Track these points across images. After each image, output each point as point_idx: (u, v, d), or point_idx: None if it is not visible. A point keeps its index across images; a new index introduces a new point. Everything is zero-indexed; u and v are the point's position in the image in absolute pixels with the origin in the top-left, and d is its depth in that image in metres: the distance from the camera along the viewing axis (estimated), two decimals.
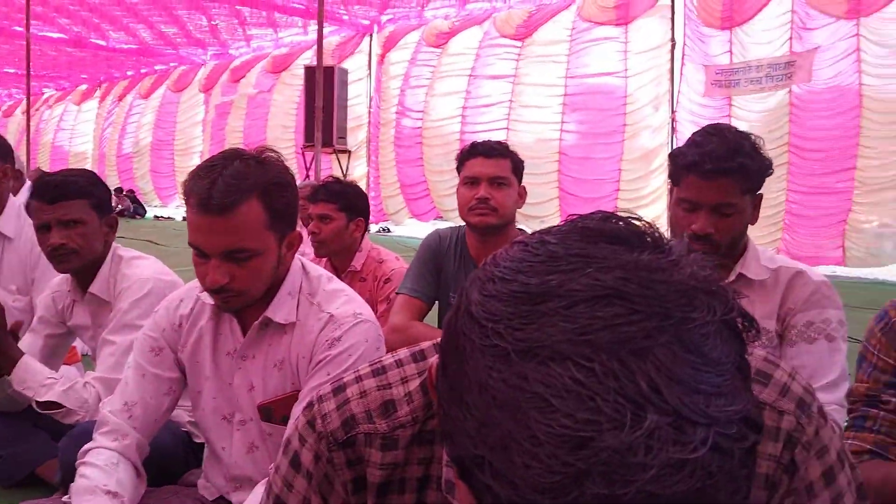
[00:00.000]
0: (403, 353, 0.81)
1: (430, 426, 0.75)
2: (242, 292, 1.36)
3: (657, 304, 0.45)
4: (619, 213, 0.52)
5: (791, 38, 9.37)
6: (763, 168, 1.57)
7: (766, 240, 9.62)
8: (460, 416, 0.48)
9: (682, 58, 10.49)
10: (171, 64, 18.42)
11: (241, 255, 1.32)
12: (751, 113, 9.81)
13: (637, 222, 0.51)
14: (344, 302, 1.45)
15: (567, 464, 0.41)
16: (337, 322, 1.40)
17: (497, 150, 2.25)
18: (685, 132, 10.13)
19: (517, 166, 2.28)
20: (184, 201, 1.39)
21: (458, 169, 2.29)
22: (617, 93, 11.20)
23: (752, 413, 0.45)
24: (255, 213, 1.32)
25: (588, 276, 0.46)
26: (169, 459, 1.79)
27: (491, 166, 2.21)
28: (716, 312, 0.46)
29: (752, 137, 1.60)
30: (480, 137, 3.69)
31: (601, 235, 0.49)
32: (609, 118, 11.30)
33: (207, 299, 1.47)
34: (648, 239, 0.50)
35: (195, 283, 1.48)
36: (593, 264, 0.47)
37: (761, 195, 1.64)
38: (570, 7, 11.63)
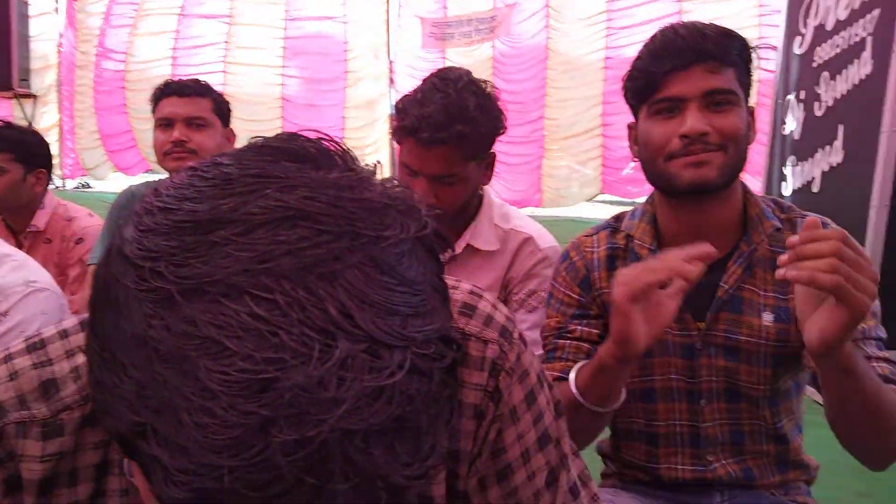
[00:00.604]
0: (71, 321, 0.68)
1: None
2: None
3: (346, 223, 0.41)
4: (306, 133, 0.46)
5: None
6: (491, 130, 1.48)
7: None
8: (115, 381, 0.40)
9: (399, 8, 10.70)
10: None
11: None
12: (462, 65, 10.37)
13: (327, 142, 0.46)
14: (11, 269, 1.23)
15: (247, 413, 0.36)
16: (3, 293, 1.18)
17: (192, 88, 2.05)
18: (403, 83, 10.44)
19: (220, 107, 2.11)
20: None
21: (153, 112, 2.06)
22: (337, 38, 11.13)
23: (448, 331, 0.43)
24: None
25: (267, 198, 0.41)
26: None
27: (186, 105, 2.01)
28: (409, 230, 0.43)
29: (484, 91, 1.47)
30: None
31: (284, 154, 0.44)
32: (331, 64, 11.21)
33: None
34: (338, 159, 0.46)
35: None
36: (273, 184, 0.42)
37: (493, 154, 1.55)
38: None
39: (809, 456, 1.35)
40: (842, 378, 0.98)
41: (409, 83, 10.48)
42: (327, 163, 0.45)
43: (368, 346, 0.38)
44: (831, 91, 3.27)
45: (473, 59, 10.33)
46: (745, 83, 1.18)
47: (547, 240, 1.63)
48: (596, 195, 10.39)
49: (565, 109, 9.92)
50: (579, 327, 1.27)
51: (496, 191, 10.21)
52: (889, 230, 2.82)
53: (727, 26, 1.18)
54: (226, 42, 11.59)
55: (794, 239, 0.94)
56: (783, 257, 0.94)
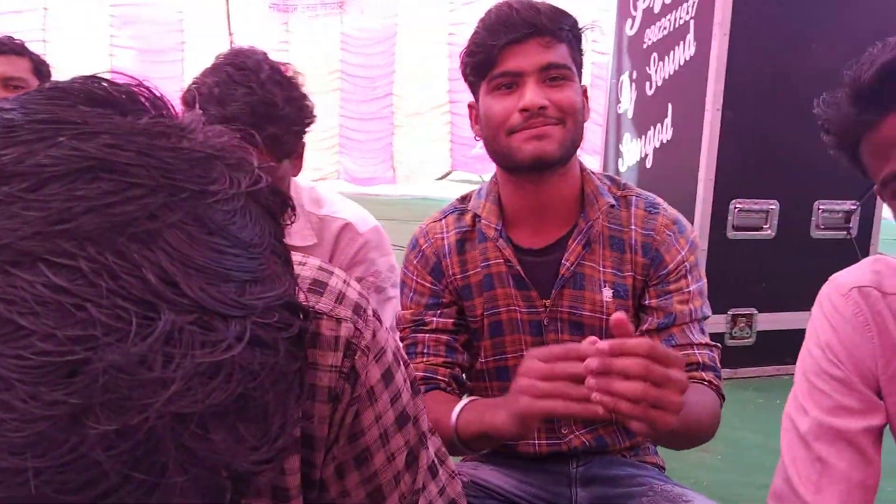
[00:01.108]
0: None
1: None
2: None
3: (161, 175, 0.35)
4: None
5: None
6: (302, 124, 1.35)
7: (324, 163, 10.22)
8: None
9: None
10: None
11: None
12: (307, 42, 10.10)
13: (136, 87, 0.40)
14: None
15: (53, 403, 0.30)
16: None
17: (8, 46, 1.88)
18: None
19: (40, 68, 1.93)
20: None
21: None
22: (171, 6, 10.45)
23: (293, 297, 0.39)
24: None
25: (61, 146, 0.34)
26: None
27: (2, 65, 1.84)
28: (240, 184, 0.38)
29: (288, 79, 1.33)
30: None
31: (81, 97, 0.38)
32: (165, 35, 10.51)
33: None
34: (147, 102, 0.39)
35: None
36: (68, 131, 0.35)
37: (304, 143, 1.41)
38: None
39: None
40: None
41: None
42: (135, 109, 0.39)
43: (198, 316, 0.33)
44: (661, 71, 3.49)
45: (320, 32, 10.09)
46: (578, 61, 1.20)
47: (366, 222, 1.56)
48: (448, 173, 10.55)
49: (412, 86, 9.96)
50: (435, 318, 1.26)
51: (347, 169, 10.10)
52: (715, 202, 3.06)
53: (563, 7, 1.20)
54: (44, 8, 10.56)
55: (602, 345, 0.86)
56: (592, 363, 0.85)
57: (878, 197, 0.91)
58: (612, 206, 1.25)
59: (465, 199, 1.33)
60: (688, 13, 3.21)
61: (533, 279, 1.22)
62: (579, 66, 1.21)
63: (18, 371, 0.30)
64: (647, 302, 1.23)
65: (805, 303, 3.54)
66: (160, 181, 0.35)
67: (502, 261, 1.24)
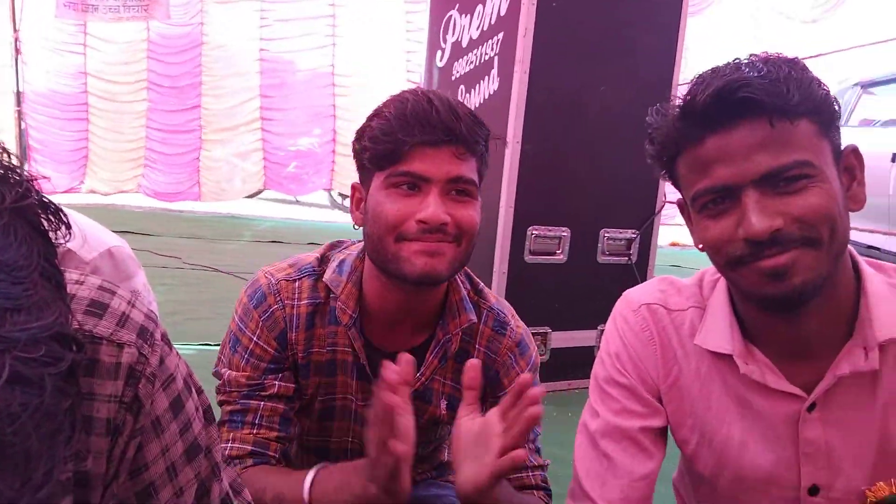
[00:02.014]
0: None
1: None
2: None
3: None
4: None
5: None
6: None
7: (125, 176, 9.52)
8: None
9: None
10: None
11: None
12: (108, 43, 9.38)
13: None
14: None
15: None
16: None
17: None
18: (34, 55, 9.11)
19: None
20: None
21: None
22: None
23: (64, 327, 0.36)
24: None
25: None
26: None
27: None
28: (4, 199, 0.35)
29: None
30: None
31: None
32: None
33: None
34: None
35: None
36: None
37: None
38: None
39: None
40: None
41: (42, 56, 9.15)
42: None
43: None
44: (468, 103, 3.65)
45: (123, 37, 9.40)
46: (482, 175, 1.13)
47: (99, 242, 1.33)
48: (259, 191, 10.22)
49: (222, 100, 9.58)
50: (277, 382, 1.15)
51: (150, 184, 9.46)
52: (514, 228, 3.24)
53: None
54: None
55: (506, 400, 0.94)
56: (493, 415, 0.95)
57: (680, 211, 1.00)
58: (473, 323, 1.21)
59: (323, 260, 1.21)
60: (492, 49, 3.40)
61: (378, 376, 1.14)
62: (482, 180, 1.14)
63: None
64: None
65: (592, 321, 3.81)
66: None
67: (350, 350, 1.18)
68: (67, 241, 0.42)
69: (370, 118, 1.12)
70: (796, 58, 0.92)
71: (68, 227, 0.41)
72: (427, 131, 1.05)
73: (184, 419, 0.67)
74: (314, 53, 9.64)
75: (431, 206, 1.05)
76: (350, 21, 9.51)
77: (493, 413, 0.96)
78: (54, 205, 0.39)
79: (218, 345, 3.81)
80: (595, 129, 3.31)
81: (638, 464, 1.02)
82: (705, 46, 8.24)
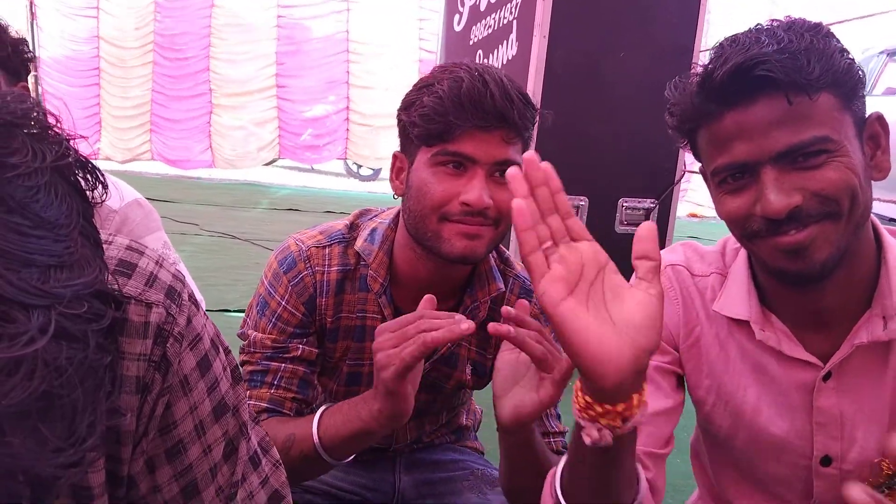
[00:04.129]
0: None
1: None
2: None
3: None
4: None
5: None
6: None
7: (136, 143, 9.56)
8: None
9: None
10: None
11: None
12: (121, 6, 9.35)
13: None
14: None
15: None
16: None
17: None
18: (49, 19, 9.11)
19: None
20: None
21: None
22: None
23: (104, 285, 0.36)
24: None
25: None
26: None
27: None
28: (44, 157, 0.34)
29: None
30: None
31: None
32: None
33: None
34: None
35: None
36: None
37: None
38: None
39: (475, 405, 1.50)
40: (522, 450, 1.03)
41: (57, 20, 9.14)
42: None
43: None
44: None
45: (137, 2, 9.36)
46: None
47: (127, 191, 1.40)
48: (274, 159, 10.23)
49: (235, 66, 9.53)
50: (301, 346, 1.16)
51: (160, 150, 9.48)
52: None
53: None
54: None
55: (508, 311, 0.97)
56: (501, 327, 0.95)
57: (705, 181, 0.99)
58: (502, 292, 1.22)
59: (352, 227, 1.22)
60: (511, 13, 3.35)
61: None
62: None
63: None
64: None
65: None
66: None
67: (379, 318, 1.19)
68: (104, 200, 0.41)
69: (419, 91, 1.11)
70: (820, 24, 0.89)
71: (105, 186, 0.41)
72: (480, 116, 1.05)
73: (211, 378, 0.67)
74: (329, 19, 9.57)
75: (476, 190, 1.06)
76: None
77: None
78: (91, 163, 0.39)
79: (237, 311, 3.83)
80: (614, 95, 3.26)
81: (654, 401, 1.03)
82: (731, 10, 8.09)
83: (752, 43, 0.86)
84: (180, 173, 9.56)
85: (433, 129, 1.07)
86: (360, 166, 10.54)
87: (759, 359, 1.01)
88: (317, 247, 1.19)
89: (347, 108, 9.69)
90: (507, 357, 1.01)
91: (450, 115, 1.05)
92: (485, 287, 1.22)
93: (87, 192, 0.39)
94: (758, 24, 0.90)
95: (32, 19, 9.16)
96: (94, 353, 0.34)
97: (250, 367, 1.16)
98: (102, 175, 0.40)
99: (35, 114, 0.37)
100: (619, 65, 3.25)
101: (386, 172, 10.88)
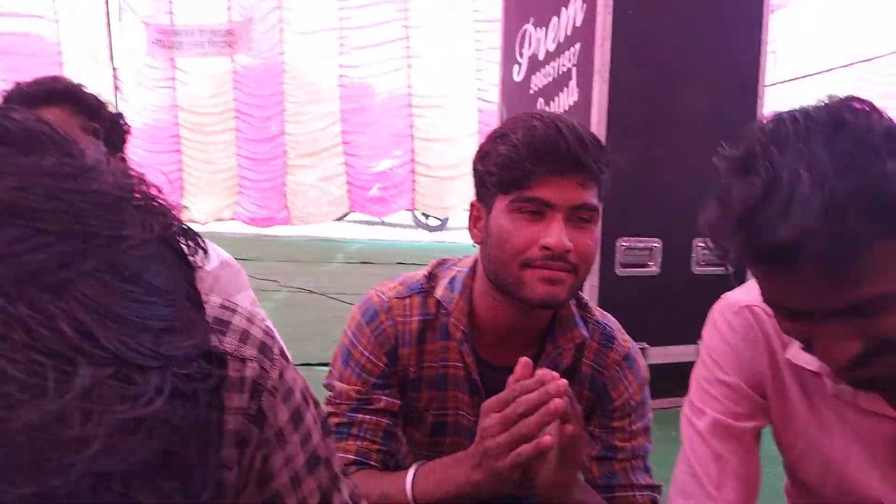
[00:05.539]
0: None
1: None
2: None
3: (72, 220, 0.34)
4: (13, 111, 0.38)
5: (229, 8, 9.71)
6: None
7: (222, 204, 9.96)
8: None
9: (119, 11, 9.87)
10: None
11: None
12: (196, 77, 9.88)
13: (35, 122, 0.38)
14: None
15: None
16: None
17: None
18: (131, 91, 9.68)
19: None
20: None
21: None
22: (48, 38, 9.94)
23: (209, 346, 0.38)
24: None
25: None
26: None
27: None
28: (153, 229, 0.37)
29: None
30: None
31: None
32: (43, 67, 9.94)
33: None
34: (50, 143, 0.38)
35: None
36: None
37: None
38: None
39: None
40: None
41: (138, 92, 9.70)
42: (37, 147, 0.37)
43: (116, 369, 0.32)
44: None
45: (211, 70, 9.89)
46: (602, 199, 1.13)
47: (215, 253, 1.45)
48: (345, 214, 10.48)
49: (304, 125, 9.90)
50: (384, 397, 1.18)
51: (244, 211, 9.84)
52: (603, 242, 3.16)
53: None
54: None
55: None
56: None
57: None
58: (584, 339, 1.21)
59: (431, 277, 1.24)
60: (570, 61, 3.38)
61: (489, 391, 1.13)
62: (602, 203, 1.14)
63: None
64: (590, 428, 1.21)
65: (690, 335, 3.61)
66: (72, 227, 0.33)
67: (462, 366, 1.19)
68: (205, 266, 0.44)
69: (494, 141, 1.13)
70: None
71: (205, 251, 0.43)
72: (555, 161, 1.06)
73: (304, 430, 0.69)
74: (391, 76, 9.85)
75: (556, 234, 1.07)
76: (424, 42, 9.69)
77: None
78: (192, 231, 0.42)
79: (318, 364, 3.84)
80: (681, 135, 3.23)
81: (744, 464, 1.01)
82: (796, 40, 7.90)
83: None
84: (257, 231, 9.89)
85: (509, 177, 1.09)
86: (427, 216, 10.70)
87: (840, 408, 0.96)
88: (397, 297, 1.21)
89: (412, 160, 9.89)
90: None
91: (526, 162, 1.07)
92: (566, 333, 1.21)
93: (189, 258, 0.42)
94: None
95: (116, 92, 9.77)
96: (204, 411, 0.36)
97: (336, 419, 1.17)
98: (203, 241, 0.43)
99: (141, 186, 0.40)
100: (683, 104, 3.23)
101: (453, 222, 10.85)
